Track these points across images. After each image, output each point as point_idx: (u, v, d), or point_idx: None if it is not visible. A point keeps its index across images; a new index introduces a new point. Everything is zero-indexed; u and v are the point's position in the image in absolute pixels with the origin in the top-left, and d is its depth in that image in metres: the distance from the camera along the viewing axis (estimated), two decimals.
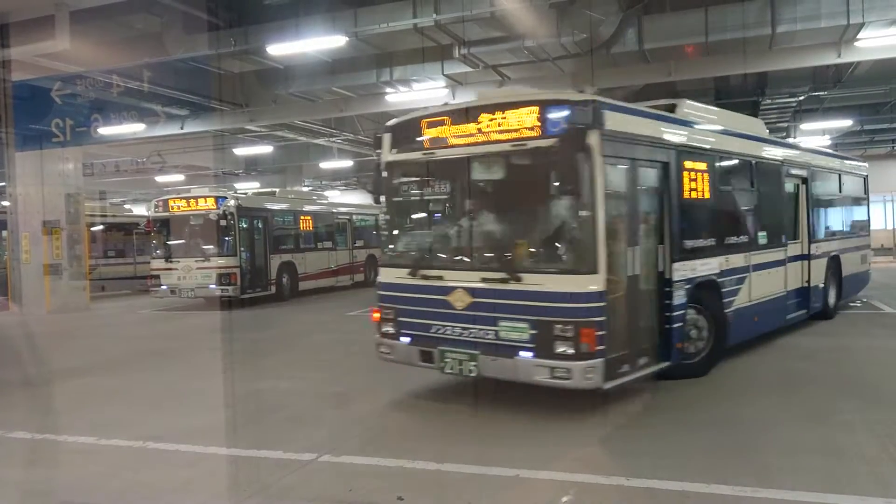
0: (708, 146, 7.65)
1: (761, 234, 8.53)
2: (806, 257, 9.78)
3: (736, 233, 8.05)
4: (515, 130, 5.86)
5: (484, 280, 5.96)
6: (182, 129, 17.84)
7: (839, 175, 11.66)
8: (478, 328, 5.99)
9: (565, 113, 5.65)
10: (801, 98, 18.93)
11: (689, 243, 6.97)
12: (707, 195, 7.45)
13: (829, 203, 11.23)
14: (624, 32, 12.98)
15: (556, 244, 5.92)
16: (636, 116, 6.51)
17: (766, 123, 22.10)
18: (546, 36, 12.57)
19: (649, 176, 6.63)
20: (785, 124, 22.50)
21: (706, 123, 7.96)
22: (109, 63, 13.51)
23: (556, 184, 5.79)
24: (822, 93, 18.81)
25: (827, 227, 10.89)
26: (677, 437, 5.39)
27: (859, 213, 12.66)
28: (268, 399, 6.97)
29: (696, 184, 7.23)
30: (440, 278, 6.27)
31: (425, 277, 6.37)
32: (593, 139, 5.54)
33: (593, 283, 5.51)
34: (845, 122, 22.60)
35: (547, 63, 14.43)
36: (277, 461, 5.07)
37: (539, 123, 5.75)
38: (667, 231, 6.66)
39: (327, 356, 9.78)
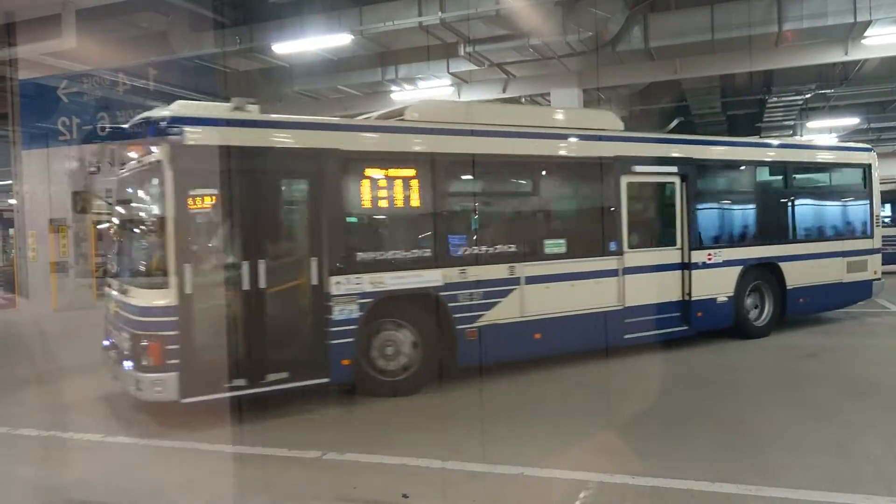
0: (416, 150, 6.97)
1: (551, 242, 7.68)
2: (685, 266, 8.72)
3: (483, 242, 7.27)
4: (130, 152, 6.40)
5: (118, 291, 6.46)
6: None
7: (784, 168, 9.97)
8: (118, 337, 6.41)
9: (143, 130, 5.97)
10: (808, 96, 18.91)
11: (367, 255, 6.56)
12: (415, 203, 6.90)
13: (758, 201, 9.61)
14: (630, 30, 12.98)
15: (144, 259, 6.18)
16: (245, 128, 6.13)
17: (772, 121, 22.16)
18: (551, 34, 12.57)
19: (282, 188, 6.49)
20: (791, 122, 22.47)
21: (432, 125, 7.12)
22: (115, 61, 13.56)
23: (142, 200, 6.22)
24: (829, 91, 18.77)
25: (742, 232, 9.54)
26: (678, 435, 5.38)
27: (844, 212, 10.75)
28: (273, 396, 6.95)
29: (390, 192, 6.77)
30: (110, 287, 6.87)
31: (109, 286, 6.96)
32: (163, 154, 5.69)
33: (160, 298, 5.72)
34: (852, 120, 22.55)
35: (552, 61, 14.44)
36: (283, 459, 5.08)
37: (134, 143, 6.34)
38: (324, 243, 6.30)
39: None
